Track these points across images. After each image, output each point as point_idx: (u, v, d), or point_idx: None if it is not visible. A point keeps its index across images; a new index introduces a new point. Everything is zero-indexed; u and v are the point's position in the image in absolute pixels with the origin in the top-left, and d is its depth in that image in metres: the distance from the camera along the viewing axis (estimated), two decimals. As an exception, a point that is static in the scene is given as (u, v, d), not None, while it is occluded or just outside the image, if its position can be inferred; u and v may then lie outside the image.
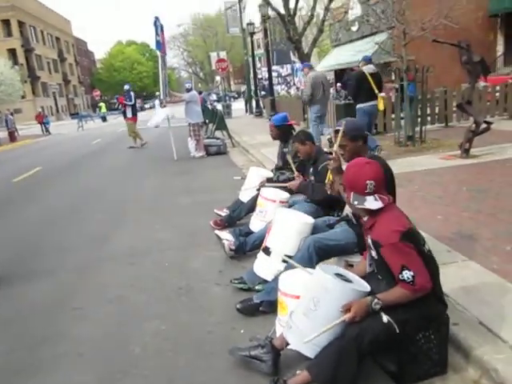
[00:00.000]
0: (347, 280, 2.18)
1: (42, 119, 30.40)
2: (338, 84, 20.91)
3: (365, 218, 2.33)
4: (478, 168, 6.33)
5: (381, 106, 8.72)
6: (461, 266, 3.22)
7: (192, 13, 62.75)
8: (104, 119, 38.87)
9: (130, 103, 14.25)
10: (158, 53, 11.19)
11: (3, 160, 16.36)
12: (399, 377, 2.28)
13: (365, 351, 2.08)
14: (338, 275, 2.20)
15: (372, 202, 2.20)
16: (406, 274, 2.07)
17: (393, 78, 10.38)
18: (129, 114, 14.41)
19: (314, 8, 14.39)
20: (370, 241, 2.26)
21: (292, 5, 14.32)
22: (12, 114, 27.43)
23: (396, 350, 2.23)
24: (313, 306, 2.17)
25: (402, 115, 9.07)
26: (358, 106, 8.47)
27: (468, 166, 6.52)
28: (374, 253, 2.25)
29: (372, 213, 2.24)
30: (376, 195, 2.21)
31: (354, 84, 8.56)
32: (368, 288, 2.18)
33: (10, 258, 4.91)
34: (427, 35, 7.79)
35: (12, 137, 25.76)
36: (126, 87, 14.47)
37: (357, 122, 3.19)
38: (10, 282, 4.17)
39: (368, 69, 8.46)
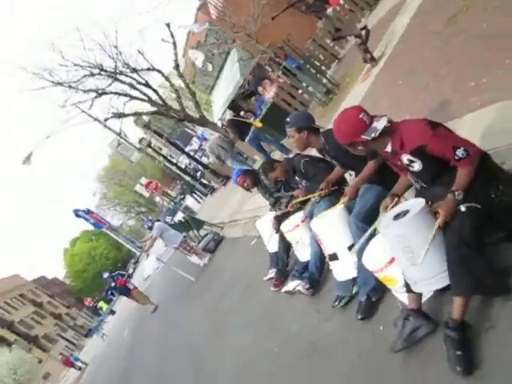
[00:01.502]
0: (405, 212, 2.30)
1: (70, 363, 29.73)
2: None
3: (388, 148, 2.48)
4: (394, 60, 6.69)
5: (258, 124, 9.21)
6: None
7: (96, 176, 63.51)
8: (113, 312, 38.30)
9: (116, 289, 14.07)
10: (103, 229, 11.46)
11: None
12: (508, 233, 2.38)
13: (474, 243, 2.18)
14: (397, 216, 2.33)
15: (379, 124, 2.41)
16: (460, 152, 2.21)
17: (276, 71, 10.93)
18: (127, 289, 14.27)
19: (173, 85, 15.10)
20: (407, 158, 2.38)
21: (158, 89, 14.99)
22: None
23: (491, 220, 2.35)
24: (409, 254, 2.29)
25: (305, 85, 9.55)
26: (247, 140, 8.96)
27: (385, 66, 6.89)
28: (416, 165, 2.37)
29: (389, 134, 2.42)
30: (375, 119, 2.42)
31: (234, 130, 9.11)
32: (421, 201, 2.31)
33: None
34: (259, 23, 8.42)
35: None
36: (105, 276, 14.49)
37: (301, 113, 3.49)
38: None
39: (230, 115, 9.12)
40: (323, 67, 10.86)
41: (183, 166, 29.05)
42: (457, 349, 2.11)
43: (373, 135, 2.44)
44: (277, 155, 9.78)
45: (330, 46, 11.24)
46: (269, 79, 12.68)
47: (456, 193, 2.20)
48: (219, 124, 14.50)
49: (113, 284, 13.62)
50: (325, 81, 9.76)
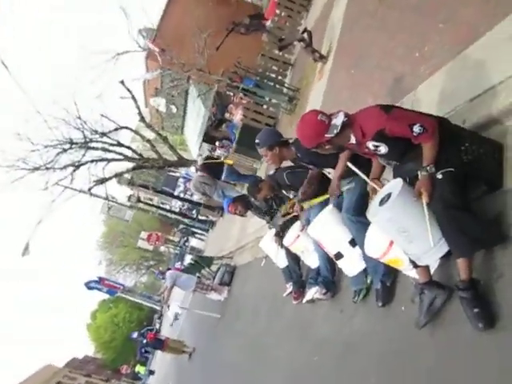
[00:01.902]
0: (388, 195, 2.41)
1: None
2: None
3: (352, 140, 2.60)
4: (341, 52, 6.89)
5: (229, 162, 9.49)
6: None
7: (96, 245, 63.26)
8: (152, 373, 37.72)
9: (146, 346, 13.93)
10: (118, 293, 11.47)
11: None
12: (489, 185, 2.48)
13: (459, 204, 2.28)
14: (382, 201, 2.42)
15: (337, 120, 2.53)
16: (416, 128, 2.32)
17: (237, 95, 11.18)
18: (160, 341, 14.18)
19: (144, 137, 15.30)
20: (372, 144, 2.49)
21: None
22: None
23: (469, 179, 2.44)
24: (404, 233, 2.38)
25: (267, 99, 9.79)
26: (223, 178, 9.22)
27: (335, 60, 7.08)
28: (382, 148, 2.49)
29: (349, 126, 2.54)
30: (332, 117, 2.55)
31: (208, 172, 9.32)
32: (399, 181, 2.42)
33: None
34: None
35: None
36: (134, 336, 14.38)
37: (267, 131, 3.60)
38: None
39: (201, 160, 9.39)
40: (279, 77, 11.12)
41: (177, 210, 29.09)
42: (474, 307, 2.18)
43: (335, 131, 2.56)
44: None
45: (280, 55, 11.52)
46: (232, 104, 12.94)
47: (427, 168, 2.31)
48: (197, 164, 14.71)
49: (144, 341, 13.48)
50: (285, 90, 9.99)
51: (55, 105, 13.47)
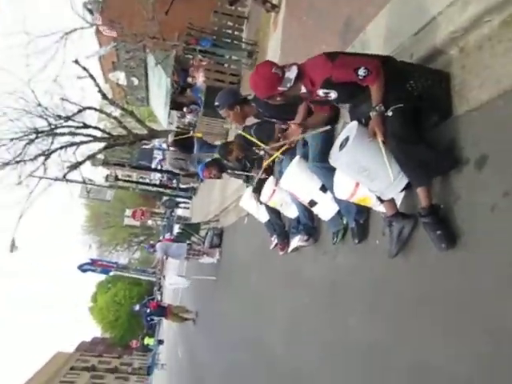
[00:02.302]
0: (346, 139, 2.53)
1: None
2: None
3: (303, 90, 2.69)
4: (293, 2, 6.81)
5: (198, 135, 9.35)
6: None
7: (82, 230, 62.88)
8: (161, 342, 38.65)
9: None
10: (113, 272, 11.64)
11: None
12: (440, 114, 2.61)
13: (411, 137, 2.42)
14: (341, 146, 2.55)
15: (291, 73, 2.63)
16: (361, 72, 2.42)
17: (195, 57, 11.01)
18: (163, 308, 14.43)
19: (110, 114, 15.00)
20: (322, 92, 2.60)
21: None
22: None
23: (420, 112, 2.57)
24: (365, 172, 2.53)
25: (227, 57, 9.71)
26: (195, 152, 9.16)
27: (287, 9, 7.00)
28: (332, 94, 2.59)
29: (299, 79, 2.63)
30: (286, 69, 2.63)
31: (180, 148, 9.15)
32: (354, 124, 2.54)
33: None
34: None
35: None
36: (137, 308, 14.67)
37: (224, 92, 3.66)
38: None
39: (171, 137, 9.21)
40: (236, 32, 10.91)
41: (158, 182, 29.00)
42: (436, 230, 2.36)
43: (288, 85, 2.64)
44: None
45: (233, 9, 11.25)
46: (193, 67, 12.72)
47: (377, 108, 2.42)
48: (168, 141, 14.51)
49: (148, 310, 13.84)
50: (243, 45, 9.86)
51: (12, 96, 13.02)
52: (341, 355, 3.50)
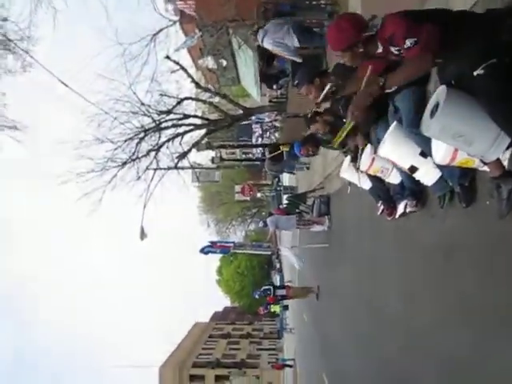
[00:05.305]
0: (437, 105, 2.42)
1: (280, 366, 32.16)
2: None
3: (379, 49, 2.62)
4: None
5: (285, 148, 9.90)
6: None
7: (199, 211, 66.59)
8: (286, 308, 40.21)
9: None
10: (231, 251, 12.46)
11: None
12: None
13: (506, 94, 2.24)
14: (431, 113, 2.45)
15: (376, 21, 2.58)
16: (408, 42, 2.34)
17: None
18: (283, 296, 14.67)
19: (205, 101, 15.66)
20: (407, 41, 2.40)
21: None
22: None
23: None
24: (461, 137, 2.43)
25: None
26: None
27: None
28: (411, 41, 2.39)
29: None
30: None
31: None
32: (443, 88, 2.41)
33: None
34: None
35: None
36: (257, 295, 14.85)
37: (301, 71, 3.65)
38: None
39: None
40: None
41: (260, 156, 29.67)
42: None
43: (374, 29, 2.54)
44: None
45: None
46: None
47: (475, 73, 2.24)
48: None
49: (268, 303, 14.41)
50: (322, 5, 9.54)
51: (119, 101, 14.22)
52: (456, 316, 3.45)
